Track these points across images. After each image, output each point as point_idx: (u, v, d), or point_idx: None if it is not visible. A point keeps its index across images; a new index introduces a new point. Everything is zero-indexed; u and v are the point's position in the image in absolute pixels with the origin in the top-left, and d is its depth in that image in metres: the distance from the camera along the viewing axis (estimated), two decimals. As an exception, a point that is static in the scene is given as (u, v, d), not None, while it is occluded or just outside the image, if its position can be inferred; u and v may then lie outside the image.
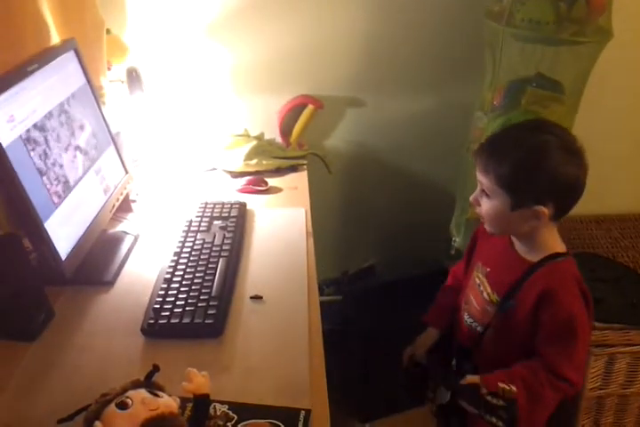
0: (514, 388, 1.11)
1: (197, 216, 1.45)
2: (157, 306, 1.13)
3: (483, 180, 1.13)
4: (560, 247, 1.18)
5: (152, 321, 1.10)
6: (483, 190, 1.14)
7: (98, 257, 1.32)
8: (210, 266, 1.25)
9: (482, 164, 1.12)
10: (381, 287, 2.02)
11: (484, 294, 1.24)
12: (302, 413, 0.91)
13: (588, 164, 1.10)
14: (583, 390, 1.65)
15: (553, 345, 1.14)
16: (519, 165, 1.08)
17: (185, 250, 1.31)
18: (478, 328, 1.26)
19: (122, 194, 1.47)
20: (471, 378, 1.16)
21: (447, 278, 1.46)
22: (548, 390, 1.13)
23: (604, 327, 1.58)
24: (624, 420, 1.75)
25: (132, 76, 1.65)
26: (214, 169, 1.77)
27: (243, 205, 1.52)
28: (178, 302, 1.14)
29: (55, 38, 1.33)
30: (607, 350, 1.60)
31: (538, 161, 1.08)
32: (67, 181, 1.23)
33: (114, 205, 1.42)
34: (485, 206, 1.15)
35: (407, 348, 1.43)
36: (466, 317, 1.30)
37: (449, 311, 1.39)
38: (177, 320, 1.10)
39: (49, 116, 1.20)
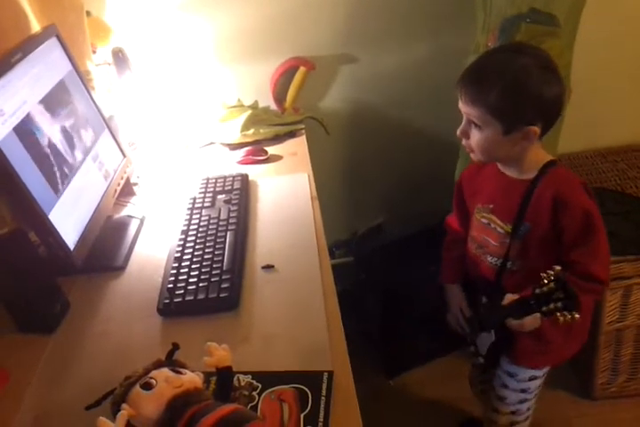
0: (557, 267, 1.03)
1: (200, 192, 1.46)
2: (171, 285, 1.14)
3: (471, 111, 1.13)
4: (548, 157, 1.20)
5: (167, 301, 1.11)
6: (470, 122, 1.15)
7: (106, 243, 1.33)
8: (218, 240, 1.26)
9: (469, 94, 1.12)
10: (391, 244, 2.02)
11: (498, 229, 1.24)
12: (325, 375, 0.91)
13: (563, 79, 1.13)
14: (601, 325, 1.66)
15: (578, 247, 1.16)
16: (508, 92, 1.09)
17: (192, 227, 1.32)
18: (500, 262, 1.26)
19: (122, 178, 1.48)
20: (511, 295, 1.15)
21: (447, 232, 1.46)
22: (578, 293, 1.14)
23: (618, 260, 1.57)
24: (644, 350, 1.77)
25: (119, 57, 1.62)
26: (212, 143, 1.77)
27: (245, 177, 1.52)
28: (191, 280, 1.15)
29: (35, 26, 1.31)
30: (623, 282, 1.60)
31: (524, 85, 1.09)
32: (65, 171, 1.23)
33: (116, 190, 1.42)
34: (476, 137, 1.15)
35: (449, 317, 1.44)
36: (489, 258, 1.29)
37: (460, 263, 1.40)
38: (192, 297, 1.11)
39: (39, 106, 1.19)
